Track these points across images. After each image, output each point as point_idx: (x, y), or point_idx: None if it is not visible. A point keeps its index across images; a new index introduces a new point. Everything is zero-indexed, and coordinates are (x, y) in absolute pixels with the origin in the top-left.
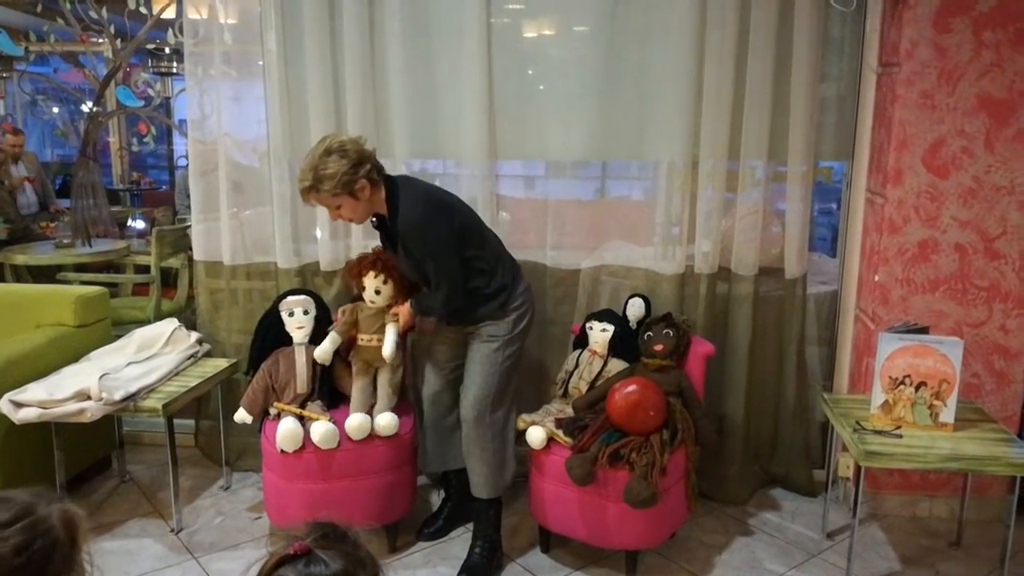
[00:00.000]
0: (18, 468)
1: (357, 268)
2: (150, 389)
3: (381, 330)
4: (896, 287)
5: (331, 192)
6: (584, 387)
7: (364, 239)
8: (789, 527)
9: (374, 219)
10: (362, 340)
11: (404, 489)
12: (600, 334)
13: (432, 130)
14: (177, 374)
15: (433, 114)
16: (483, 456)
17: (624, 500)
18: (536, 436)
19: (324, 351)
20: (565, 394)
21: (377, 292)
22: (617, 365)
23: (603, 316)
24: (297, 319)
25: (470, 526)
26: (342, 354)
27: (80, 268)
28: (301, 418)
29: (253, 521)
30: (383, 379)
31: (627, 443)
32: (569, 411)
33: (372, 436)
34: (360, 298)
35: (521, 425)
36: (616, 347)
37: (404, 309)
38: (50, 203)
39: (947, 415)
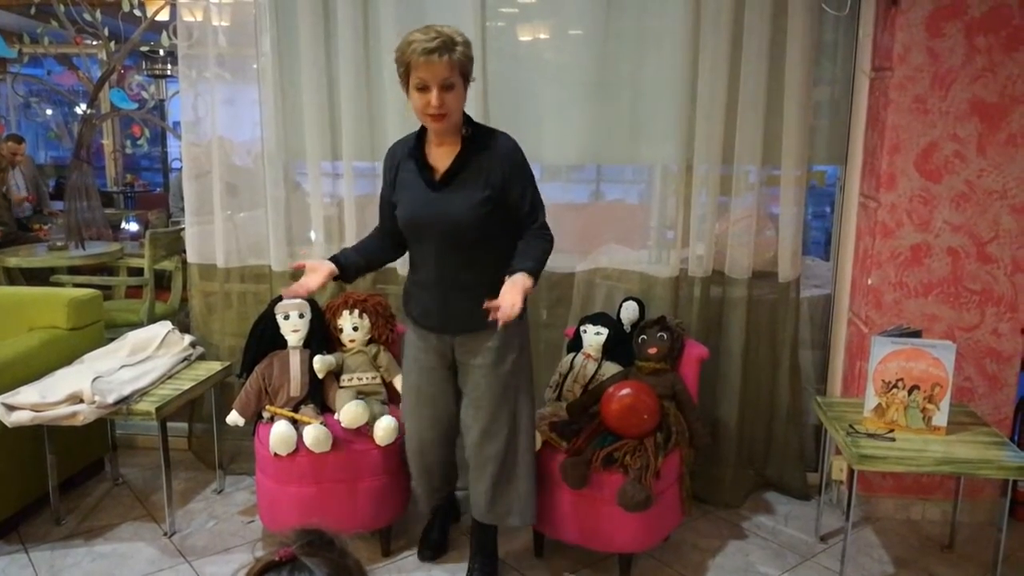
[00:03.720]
0: (10, 471)
1: (329, 314)
2: (143, 392)
3: (368, 367)
4: (889, 291)
5: (460, 59)
6: (578, 390)
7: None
8: (783, 530)
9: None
10: (347, 382)
11: (397, 493)
12: (594, 337)
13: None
14: (170, 377)
15: None
16: (520, 486)
17: (618, 503)
18: None
19: (326, 363)
20: (559, 397)
21: (355, 328)
22: (611, 368)
23: (597, 319)
24: (292, 322)
25: (464, 526)
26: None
27: (73, 271)
28: (294, 421)
29: (246, 525)
30: (376, 404)
31: (621, 446)
32: (563, 414)
33: (366, 439)
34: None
35: None
36: (610, 350)
37: (519, 279)
38: (44, 206)
39: (940, 418)
